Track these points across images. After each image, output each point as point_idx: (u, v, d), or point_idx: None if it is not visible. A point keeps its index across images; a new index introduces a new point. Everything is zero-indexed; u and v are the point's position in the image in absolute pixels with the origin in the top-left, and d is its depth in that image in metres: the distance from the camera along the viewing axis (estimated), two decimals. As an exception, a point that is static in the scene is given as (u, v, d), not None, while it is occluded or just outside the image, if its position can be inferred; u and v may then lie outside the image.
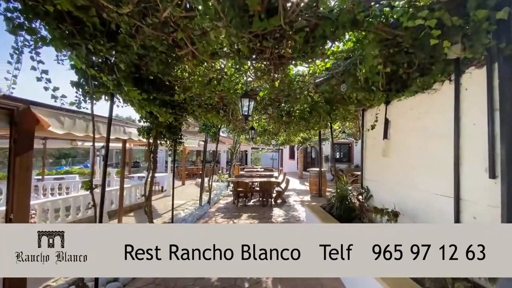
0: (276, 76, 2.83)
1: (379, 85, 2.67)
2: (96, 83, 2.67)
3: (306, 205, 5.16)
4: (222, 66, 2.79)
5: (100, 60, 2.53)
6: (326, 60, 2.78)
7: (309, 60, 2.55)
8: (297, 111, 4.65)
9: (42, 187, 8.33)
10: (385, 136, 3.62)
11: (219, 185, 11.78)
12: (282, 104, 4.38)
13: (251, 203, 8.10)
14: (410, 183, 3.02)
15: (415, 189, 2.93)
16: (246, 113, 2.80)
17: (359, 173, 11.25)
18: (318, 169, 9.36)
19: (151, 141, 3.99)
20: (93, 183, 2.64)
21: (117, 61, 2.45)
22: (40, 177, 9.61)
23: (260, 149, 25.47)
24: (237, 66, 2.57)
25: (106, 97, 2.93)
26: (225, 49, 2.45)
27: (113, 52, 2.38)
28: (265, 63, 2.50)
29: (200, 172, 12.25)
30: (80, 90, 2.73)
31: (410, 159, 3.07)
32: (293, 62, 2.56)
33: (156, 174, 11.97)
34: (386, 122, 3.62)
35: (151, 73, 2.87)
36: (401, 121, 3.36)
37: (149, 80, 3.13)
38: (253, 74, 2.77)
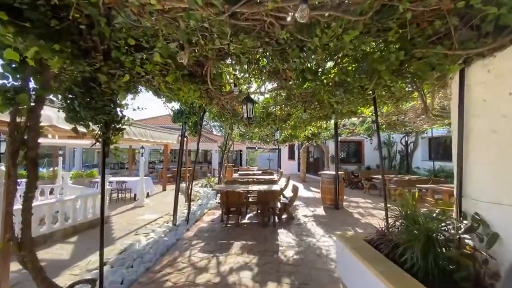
0: None
1: None
2: None
3: (339, 236, 3.01)
4: None
5: None
6: None
7: None
8: (333, 72, 2.53)
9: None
10: None
11: (208, 192, 9.57)
12: (304, 55, 2.20)
13: (246, 219, 5.92)
14: None
15: None
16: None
17: (379, 176, 9.18)
18: (333, 172, 7.24)
19: (21, 120, 1.78)
20: None
21: None
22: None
23: (256, 148, 23.29)
24: None
25: None
26: None
27: None
28: None
29: (188, 174, 10.00)
30: None
31: None
32: None
33: (127, 179, 9.69)
34: None
35: None
36: None
37: None
38: None
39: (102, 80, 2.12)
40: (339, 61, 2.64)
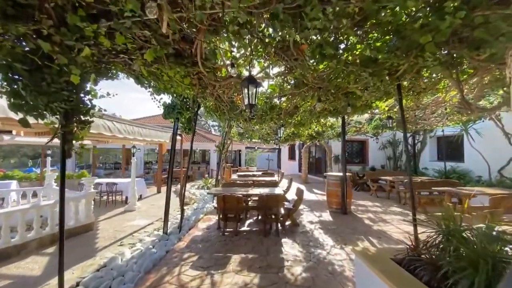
0: None
1: None
2: None
3: (360, 253, 2.44)
4: None
5: None
6: None
7: None
8: (359, 48, 1.99)
9: None
10: None
11: (204, 195, 8.99)
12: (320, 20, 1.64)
13: (245, 226, 5.35)
14: None
15: None
16: None
17: (388, 178, 8.63)
18: (339, 174, 6.69)
19: None
20: None
21: None
22: None
23: (255, 148, 22.72)
24: None
25: None
26: None
27: None
28: None
29: (183, 175, 9.41)
30: None
31: None
32: None
33: (119, 180, 9.09)
34: None
35: None
36: None
37: None
38: None
39: (45, 49, 1.55)
40: (364, 35, 2.09)
